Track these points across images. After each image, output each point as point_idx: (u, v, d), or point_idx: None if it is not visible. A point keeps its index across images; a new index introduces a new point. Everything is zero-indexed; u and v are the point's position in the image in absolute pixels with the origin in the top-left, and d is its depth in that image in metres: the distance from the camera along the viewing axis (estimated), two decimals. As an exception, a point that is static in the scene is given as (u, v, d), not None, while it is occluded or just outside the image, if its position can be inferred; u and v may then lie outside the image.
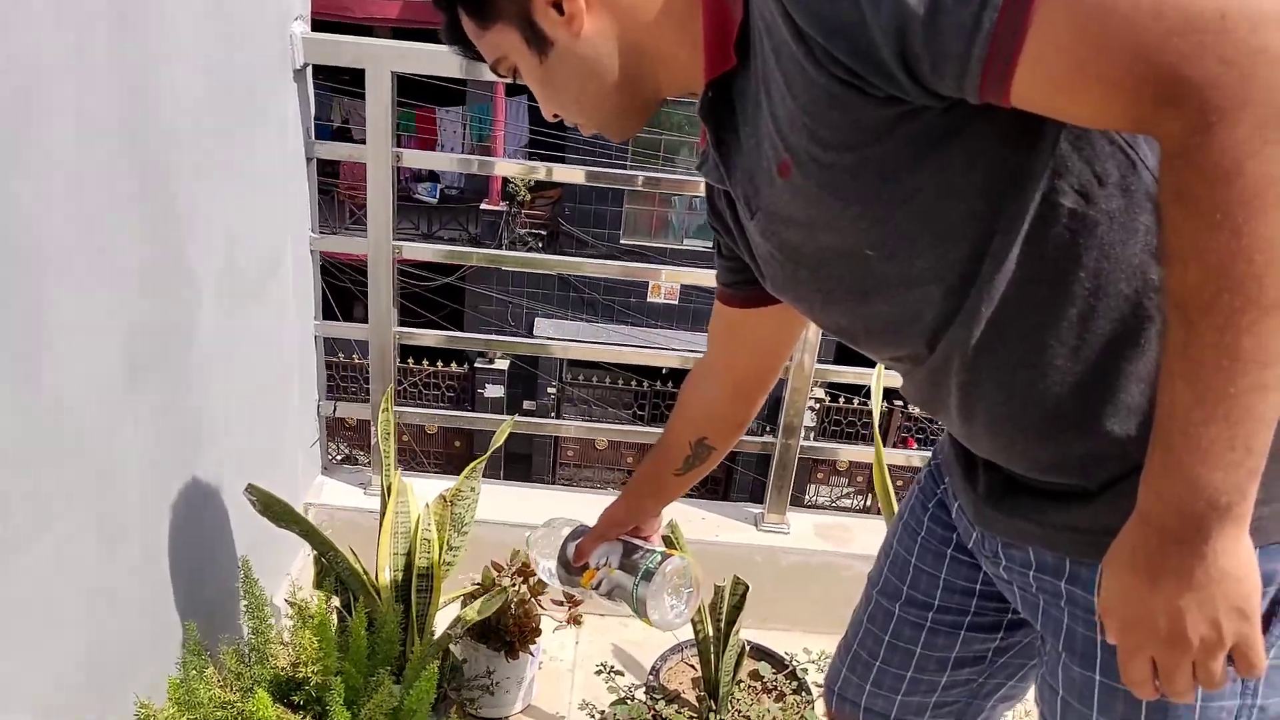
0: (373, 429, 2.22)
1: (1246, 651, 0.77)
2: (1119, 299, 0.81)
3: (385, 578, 1.81)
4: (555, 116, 1.00)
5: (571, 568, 1.33)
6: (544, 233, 13.42)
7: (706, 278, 2.00)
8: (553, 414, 13.06)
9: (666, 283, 13.82)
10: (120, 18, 1.28)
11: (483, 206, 13.08)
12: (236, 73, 1.71)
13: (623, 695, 1.98)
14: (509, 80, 0.99)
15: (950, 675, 1.20)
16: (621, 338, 12.91)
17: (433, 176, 13.30)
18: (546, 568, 1.38)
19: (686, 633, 2.08)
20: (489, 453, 1.91)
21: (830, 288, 0.93)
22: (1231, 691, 0.88)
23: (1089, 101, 0.68)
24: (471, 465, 1.89)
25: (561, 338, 12.79)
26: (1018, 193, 0.79)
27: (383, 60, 1.95)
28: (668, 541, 1.89)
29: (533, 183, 13.49)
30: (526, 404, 13.03)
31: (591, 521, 1.36)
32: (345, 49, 1.99)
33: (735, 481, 13.19)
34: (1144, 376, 0.83)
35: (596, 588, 1.30)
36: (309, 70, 1.99)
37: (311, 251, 2.13)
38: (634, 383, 13.13)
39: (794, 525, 2.45)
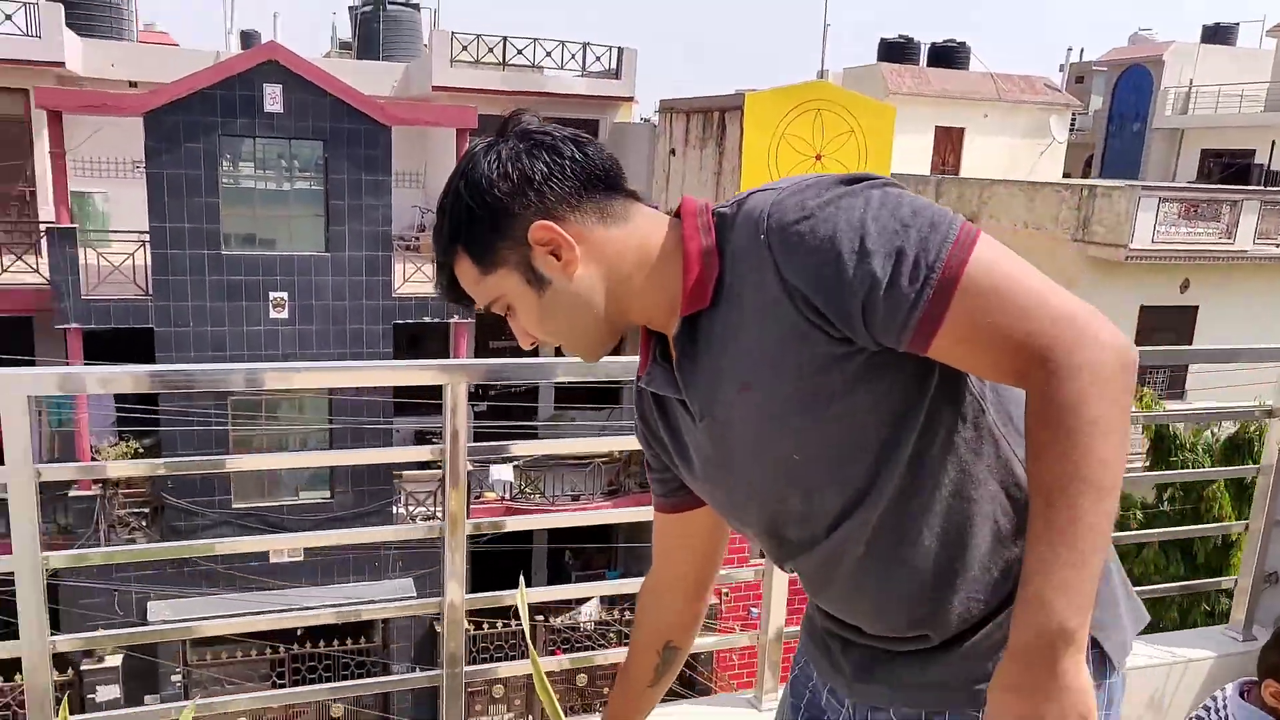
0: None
1: None
2: (969, 501, 1.14)
3: None
4: (532, 343, 1.24)
5: None
6: (146, 510, 12.54)
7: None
8: (184, 698, 11.85)
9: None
10: None
11: (72, 494, 11.99)
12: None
13: None
14: (500, 314, 1.22)
15: None
16: (249, 606, 12.19)
17: (4, 470, 12.05)
18: None
19: None
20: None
21: (755, 483, 1.20)
22: None
23: (984, 359, 1.04)
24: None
25: (180, 619, 11.82)
26: (911, 420, 1.11)
27: (13, 386, 2.04)
28: None
29: (128, 457, 12.69)
30: (148, 699, 11.74)
31: None
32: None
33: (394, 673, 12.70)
34: (980, 555, 1.15)
35: None
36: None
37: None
38: (269, 650, 12.33)
39: (470, 745, 2.65)
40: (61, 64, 14.95)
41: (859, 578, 1.20)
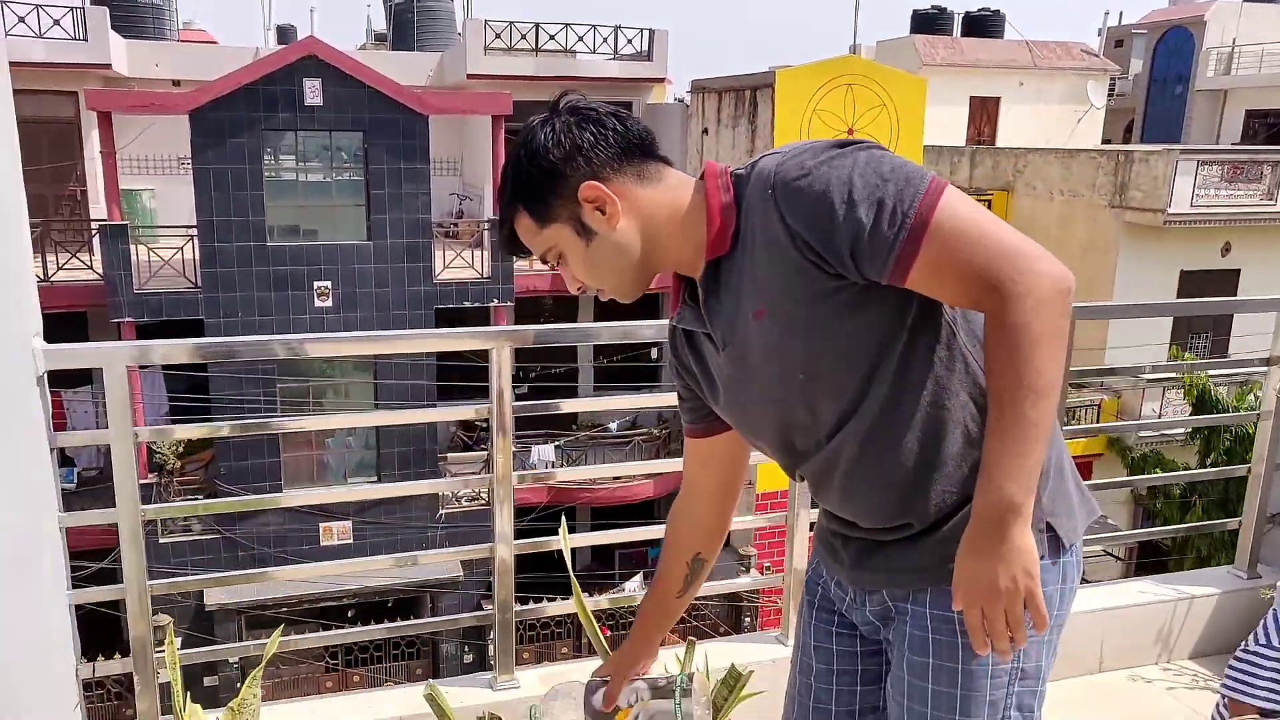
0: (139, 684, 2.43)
1: (1033, 598, 1.26)
2: (943, 409, 1.34)
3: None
4: (581, 290, 1.46)
5: (602, 715, 1.69)
6: (200, 498, 12.96)
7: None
8: (241, 679, 12.33)
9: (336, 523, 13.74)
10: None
11: (130, 481, 12.41)
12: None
13: None
14: (550, 265, 1.44)
15: None
16: (302, 587, 12.58)
17: (66, 460, 12.55)
18: None
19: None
20: (265, 659, 2.22)
21: (768, 399, 1.41)
22: (1010, 660, 1.35)
23: (951, 288, 1.26)
24: (253, 674, 2.20)
25: (235, 602, 12.24)
26: (895, 342, 1.32)
27: (117, 358, 2.31)
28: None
29: (181, 448, 13.11)
30: (207, 680, 12.20)
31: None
32: (81, 353, 2.34)
33: (443, 652, 13.22)
34: (953, 454, 1.35)
35: None
36: (46, 374, 2.31)
37: (60, 528, 2.38)
38: (321, 630, 12.73)
39: (521, 679, 2.89)
40: (108, 65, 15.38)
41: (854, 476, 1.42)
